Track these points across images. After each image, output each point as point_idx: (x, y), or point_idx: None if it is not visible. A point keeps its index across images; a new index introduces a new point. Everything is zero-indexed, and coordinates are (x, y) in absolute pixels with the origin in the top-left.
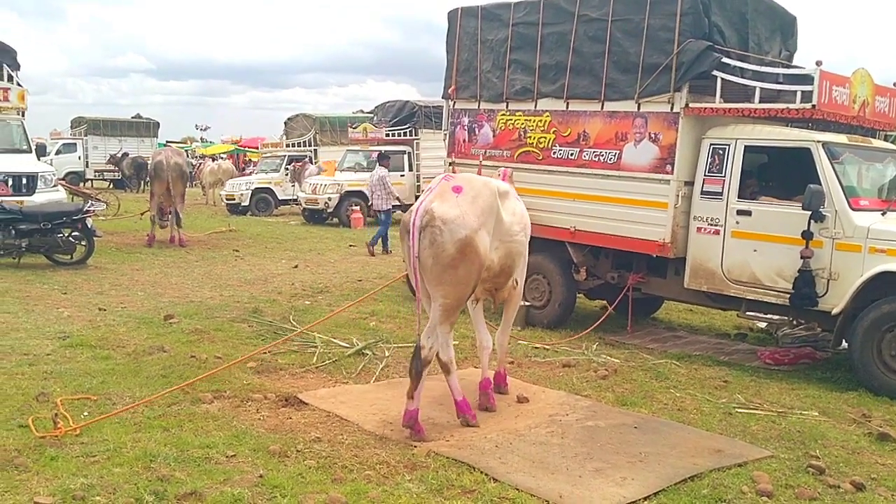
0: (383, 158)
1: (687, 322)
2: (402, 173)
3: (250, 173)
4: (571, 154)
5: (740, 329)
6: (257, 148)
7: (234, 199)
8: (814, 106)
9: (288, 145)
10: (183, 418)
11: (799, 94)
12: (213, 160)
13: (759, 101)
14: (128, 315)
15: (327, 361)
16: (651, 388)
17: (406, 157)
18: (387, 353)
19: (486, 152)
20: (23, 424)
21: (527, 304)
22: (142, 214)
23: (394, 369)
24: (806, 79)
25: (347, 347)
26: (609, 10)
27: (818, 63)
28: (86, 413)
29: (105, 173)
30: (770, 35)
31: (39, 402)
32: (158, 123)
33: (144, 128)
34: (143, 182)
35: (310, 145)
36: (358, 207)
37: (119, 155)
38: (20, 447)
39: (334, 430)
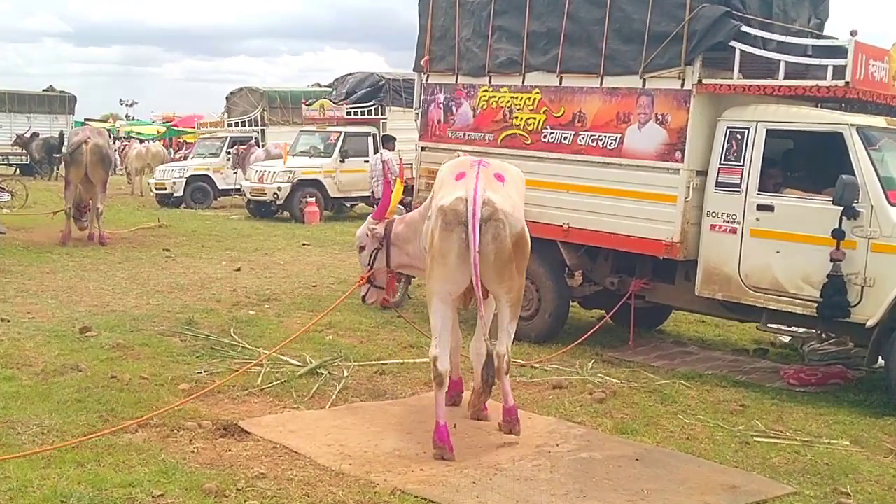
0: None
1: (698, 335)
2: (365, 159)
3: (183, 158)
4: (565, 138)
5: (760, 344)
6: (193, 128)
7: (164, 189)
8: (847, 83)
9: (230, 125)
10: (101, 451)
11: (830, 70)
12: (141, 142)
13: (784, 78)
14: (36, 327)
15: (274, 382)
16: (656, 413)
17: (371, 139)
18: (345, 374)
19: (465, 135)
20: None
21: None
22: (54, 214)
23: (354, 392)
24: (838, 51)
25: (299, 366)
26: None
27: (853, 33)
28: None
29: (10, 157)
30: (797, 0)
31: None
32: (75, 98)
33: (58, 102)
34: (56, 168)
35: (256, 125)
36: (313, 199)
37: (27, 135)
38: None
39: (282, 465)
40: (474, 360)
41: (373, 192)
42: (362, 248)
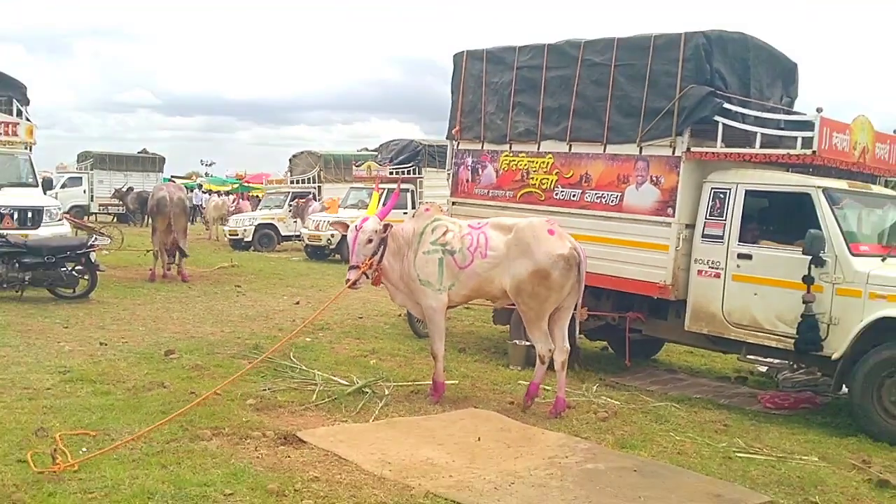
0: None
1: (687, 364)
2: (404, 211)
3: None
4: (574, 195)
5: (740, 372)
6: (262, 184)
7: (237, 235)
8: (814, 152)
9: (292, 181)
10: (181, 455)
11: (800, 140)
12: (219, 195)
13: (761, 147)
14: (128, 350)
15: (326, 399)
16: (651, 430)
17: (409, 195)
18: (387, 392)
19: (489, 192)
20: (21, 459)
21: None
22: (147, 252)
23: (393, 408)
24: (807, 125)
25: (347, 385)
26: (612, 55)
27: (819, 110)
28: (84, 449)
29: (109, 207)
30: (771, 81)
31: (38, 437)
32: (164, 158)
33: (150, 163)
34: (146, 216)
35: (314, 182)
36: None
37: (124, 189)
38: (18, 482)
39: (332, 470)
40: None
41: None
42: (370, 241)
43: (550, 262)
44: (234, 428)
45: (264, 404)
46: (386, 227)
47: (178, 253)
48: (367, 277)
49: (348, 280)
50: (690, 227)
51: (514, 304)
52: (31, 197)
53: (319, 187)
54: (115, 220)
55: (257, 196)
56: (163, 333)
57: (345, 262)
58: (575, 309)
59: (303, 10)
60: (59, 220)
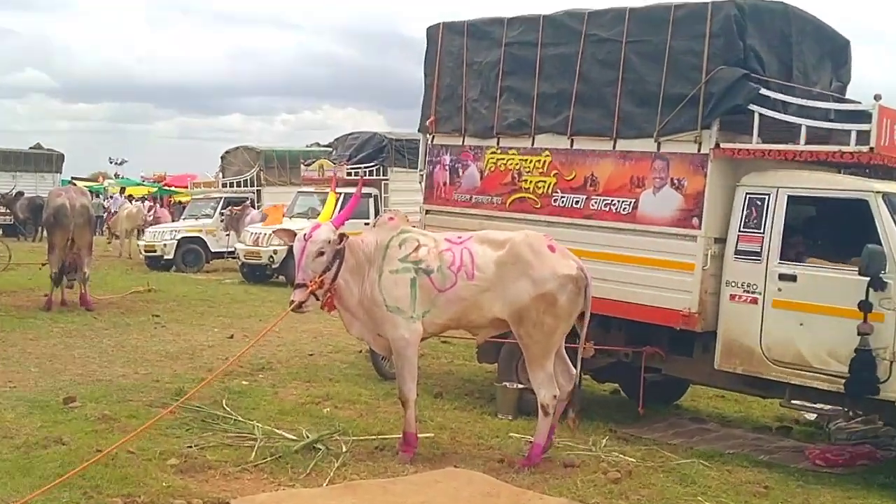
0: None
1: (718, 411)
2: (366, 221)
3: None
4: (576, 202)
5: (784, 421)
6: (186, 187)
7: (154, 251)
8: (872, 149)
9: (225, 184)
10: None
11: (854, 135)
12: (132, 201)
13: (806, 143)
14: (17, 397)
15: (269, 458)
16: (674, 494)
17: (372, 201)
18: (344, 449)
19: (471, 198)
20: None
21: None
22: (42, 266)
23: (353, 469)
24: (862, 116)
25: (295, 441)
26: (623, 29)
27: (877, 97)
28: None
29: None
30: (818, 62)
31: None
32: (63, 156)
33: (45, 161)
34: (40, 228)
35: (252, 185)
36: None
37: (12, 194)
38: None
39: None
40: None
41: None
42: (321, 254)
43: (557, 284)
44: (151, 495)
45: (190, 465)
46: (342, 237)
47: (80, 274)
48: (318, 299)
49: (293, 301)
50: (721, 241)
51: (498, 337)
52: None
53: (259, 191)
54: (0, 233)
55: (180, 202)
56: (61, 376)
57: (291, 283)
58: (577, 341)
59: None
60: None
